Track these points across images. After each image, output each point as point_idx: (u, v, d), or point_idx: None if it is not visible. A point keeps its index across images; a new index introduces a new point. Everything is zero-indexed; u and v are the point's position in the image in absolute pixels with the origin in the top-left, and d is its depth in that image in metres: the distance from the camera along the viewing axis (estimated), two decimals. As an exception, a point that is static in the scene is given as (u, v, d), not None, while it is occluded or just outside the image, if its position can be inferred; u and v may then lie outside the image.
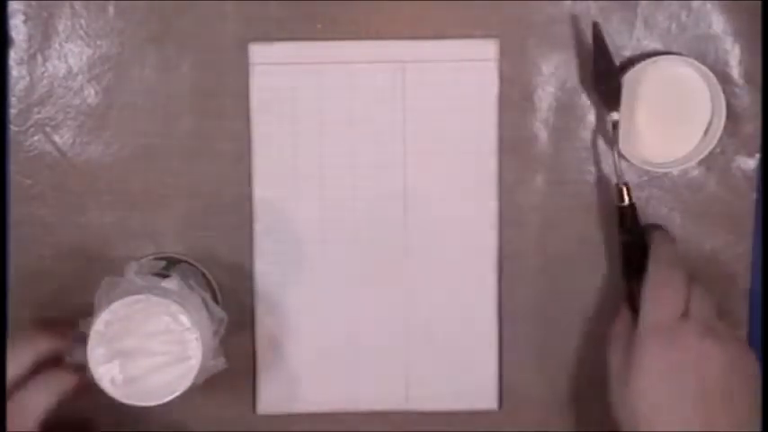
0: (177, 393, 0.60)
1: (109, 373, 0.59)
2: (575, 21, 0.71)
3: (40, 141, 0.71)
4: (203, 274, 0.70)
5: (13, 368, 0.61)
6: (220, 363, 0.62)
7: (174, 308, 0.60)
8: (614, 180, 0.69)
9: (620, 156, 0.69)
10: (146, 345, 0.59)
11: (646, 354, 0.63)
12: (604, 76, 0.69)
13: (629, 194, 0.69)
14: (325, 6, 0.70)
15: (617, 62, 0.70)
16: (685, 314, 0.64)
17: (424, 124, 0.71)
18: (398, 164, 0.71)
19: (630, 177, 0.72)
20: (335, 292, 0.72)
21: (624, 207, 0.70)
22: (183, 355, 0.60)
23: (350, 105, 0.71)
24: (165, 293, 0.60)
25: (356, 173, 0.72)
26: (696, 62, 0.69)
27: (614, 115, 0.69)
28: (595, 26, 0.69)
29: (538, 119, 0.71)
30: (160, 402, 0.60)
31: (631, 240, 0.70)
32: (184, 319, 0.60)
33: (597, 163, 0.72)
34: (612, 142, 0.69)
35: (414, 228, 0.72)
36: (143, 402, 0.60)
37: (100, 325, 0.59)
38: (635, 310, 0.67)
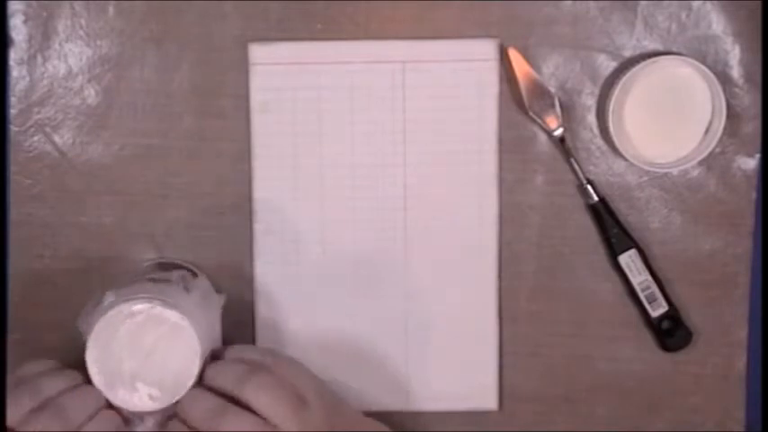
0: (196, 373, 0.60)
1: (143, 399, 0.60)
2: (573, 21, 0.71)
3: (40, 141, 0.71)
4: (178, 265, 0.71)
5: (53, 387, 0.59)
6: None
7: (141, 304, 0.60)
8: (582, 182, 0.71)
9: (577, 163, 0.69)
10: (144, 349, 0.60)
11: None
12: (536, 97, 0.70)
13: (596, 191, 0.71)
14: (325, 6, 0.70)
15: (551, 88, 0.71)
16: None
17: (424, 124, 0.71)
18: (398, 164, 0.71)
19: (630, 177, 0.72)
20: (335, 292, 0.72)
21: (595, 204, 0.70)
22: (180, 334, 0.60)
23: (350, 105, 0.71)
24: (105, 310, 0.61)
25: (356, 173, 0.72)
26: (696, 62, 0.69)
27: (559, 131, 0.70)
28: (506, 51, 0.70)
29: (538, 119, 0.72)
30: (188, 388, 0.60)
31: (614, 233, 0.71)
32: (157, 305, 0.60)
33: (596, 163, 0.72)
34: (567, 154, 0.71)
35: (414, 228, 0.72)
36: (176, 398, 0.60)
37: (94, 369, 0.60)
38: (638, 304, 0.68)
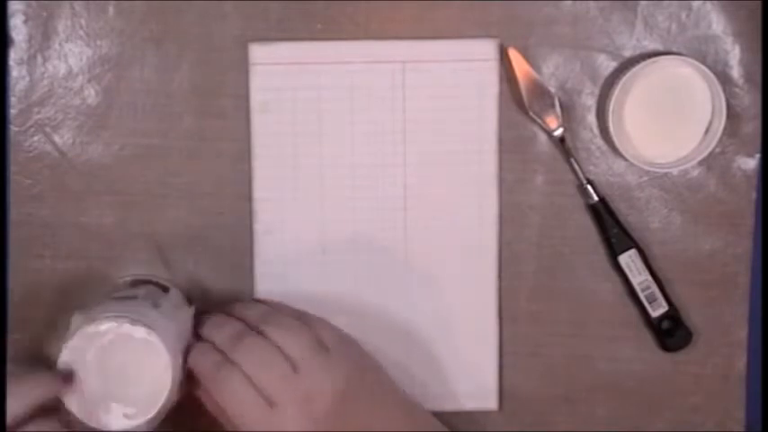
0: (169, 387, 0.60)
1: (118, 418, 0.60)
2: (573, 21, 0.71)
3: (40, 141, 0.71)
4: (147, 281, 0.71)
5: (15, 407, 0.58)
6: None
7: (108, 324, 0.60)
8: (582, 182, 0.71)
9: (577, 163, 0.69)
10: (115, 368, 0.60)
11: None
12: (536, 97, 0.70)
13: (596, 191, 0.71)
14: (325, 6, 0.71)
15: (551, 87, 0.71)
16: None
17: (424, 124, 0.71)
18: (398, 164, 0.71)
19: (630, 177, 0.72)
20: (335, 292, 0.72)
21: (595, 204, 0.70)
22: (150, 350, 0.60)
23: (350, 105, 0.71)
24: (94, 317, 0.60)
25: (356, 173, 0.72)
26: (696, 62, 0.69)
27: (559, 131, 0.70)
28: (506, 51, 0.70)
29: (538, 119, 0.72)
30: (162, 401, 0.60)
31: (614, 233, 0.71)
32: (124, 323, 0.60)
33: (596, 163, 0.72)
34: (567, 154, 0.71)
35: (414, 228, 0.72)
36: (151, 413, 0.60)
37: (72, 403, 0.60)
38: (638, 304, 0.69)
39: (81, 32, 0.71)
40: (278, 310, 0.65)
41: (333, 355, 0.63)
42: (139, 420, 0.60)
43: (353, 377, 0.64)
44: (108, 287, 0.70)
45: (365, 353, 0.68)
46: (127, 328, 0.60)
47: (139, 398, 0.60)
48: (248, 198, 0.72)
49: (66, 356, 0.60)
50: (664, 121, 0.70)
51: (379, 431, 0.64)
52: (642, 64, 0.68)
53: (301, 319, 0.65)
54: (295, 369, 0.61)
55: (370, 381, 0.66)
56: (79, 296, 0.71)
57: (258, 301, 0.71)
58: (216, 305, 0.71)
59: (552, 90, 0.70)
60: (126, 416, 0.60)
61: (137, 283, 0.70)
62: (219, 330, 0.64)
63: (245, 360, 0.61)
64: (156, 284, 0.70)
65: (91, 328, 0.60)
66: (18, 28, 0.70)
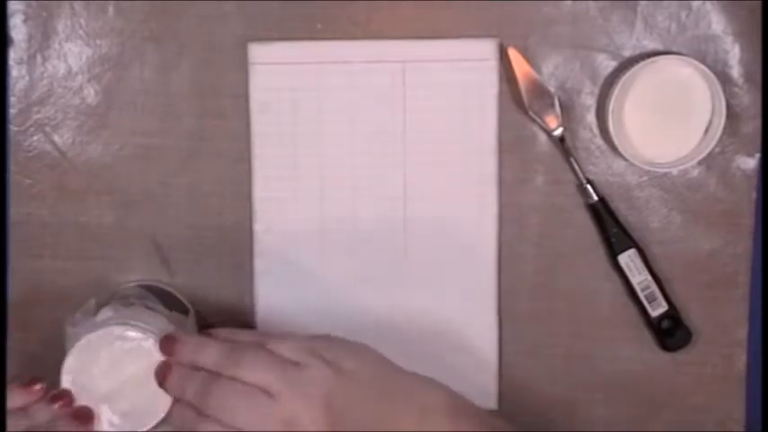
0: (164, 413, 0.60)
1: (101, 422, 0.59)
2: (573, 21, 0.71)
3: (40, 141, 0.71)
4: (171, 294, 0.71)
5: None
6: None
7: (136, 332, 0.60)
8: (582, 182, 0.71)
9: (577, 163, 0.70)
10: (123, 375, 0.59)
11: None
12: (535, 97, 0.70)
13: (595, 191, 0.71)
14: (325, 6, 0.71)
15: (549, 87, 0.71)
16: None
17: (424, 124, 0.71)
18: (398, 164, 0.71)
19: (630, 177, 0.72)
20: (335, 292, 0.72)
21: (595, 203, 0.70)
22: (154, 362, 0.60)
23: (350, 105, 0.71)
24: (99, 325, 0.60)
25: (356, 173, 0.72)
26: (696, 62, 0.69)
27: (558, 130, 0.70)
28: (506, 51, 0.70)
29: (538, 119, 0.72)
30: (160, 418, 0.60)
31: (614, 233, 0.71)
32: (150, 338, 0.60)
33: (596, 163, 0.72)
34: (567, 154, 0.71)
35: (414, 228, 0.72)
36: (147, 426, 0.60)
37: (66, 378, 0.59)
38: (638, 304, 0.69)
39: (81, 32, 0.71)
40: (234, 346, 0.60)
41: (304, 368, 0.59)
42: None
43: (332, 378, 0.59)
44: (123, 287, 0.71)
45: (346, 344, 0.63)
46: (151, 344, 0.60)
47: (132, 413, 0.60)
48: (248, 198, 0.72)
49: (83, 345, 0.59)
50: (664, 121, 0.70)
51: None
52: (642, 64, 0.68)
53: (262, 343, 0.61)
54: (273, 397, 0.58)
55: (360, 372, 0.61)
56: (79, 296, 0.70)
57: (215, 334, 0.63)
58: (217, 313, 0.71)
59: (552, 90, 0.70)
60: (110, 423, 0.59)
61: (159, 292, 0.70)
62: (188, 383, 0.59)
63: (220, 410, 0.57)
64: (181, 302, 0.70)
65: (119, 329, 0.60)
66: (18, 28, 0.70)
